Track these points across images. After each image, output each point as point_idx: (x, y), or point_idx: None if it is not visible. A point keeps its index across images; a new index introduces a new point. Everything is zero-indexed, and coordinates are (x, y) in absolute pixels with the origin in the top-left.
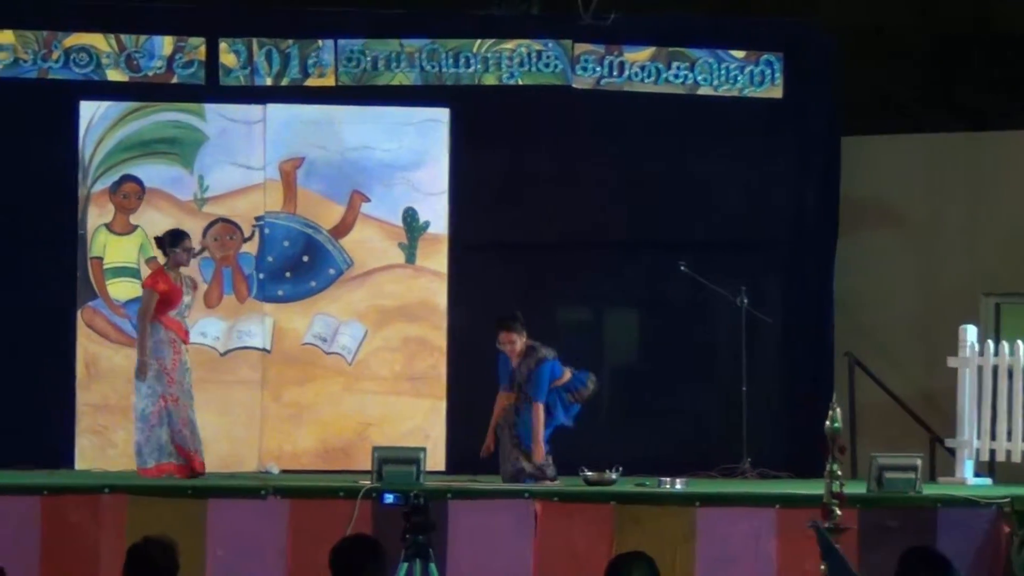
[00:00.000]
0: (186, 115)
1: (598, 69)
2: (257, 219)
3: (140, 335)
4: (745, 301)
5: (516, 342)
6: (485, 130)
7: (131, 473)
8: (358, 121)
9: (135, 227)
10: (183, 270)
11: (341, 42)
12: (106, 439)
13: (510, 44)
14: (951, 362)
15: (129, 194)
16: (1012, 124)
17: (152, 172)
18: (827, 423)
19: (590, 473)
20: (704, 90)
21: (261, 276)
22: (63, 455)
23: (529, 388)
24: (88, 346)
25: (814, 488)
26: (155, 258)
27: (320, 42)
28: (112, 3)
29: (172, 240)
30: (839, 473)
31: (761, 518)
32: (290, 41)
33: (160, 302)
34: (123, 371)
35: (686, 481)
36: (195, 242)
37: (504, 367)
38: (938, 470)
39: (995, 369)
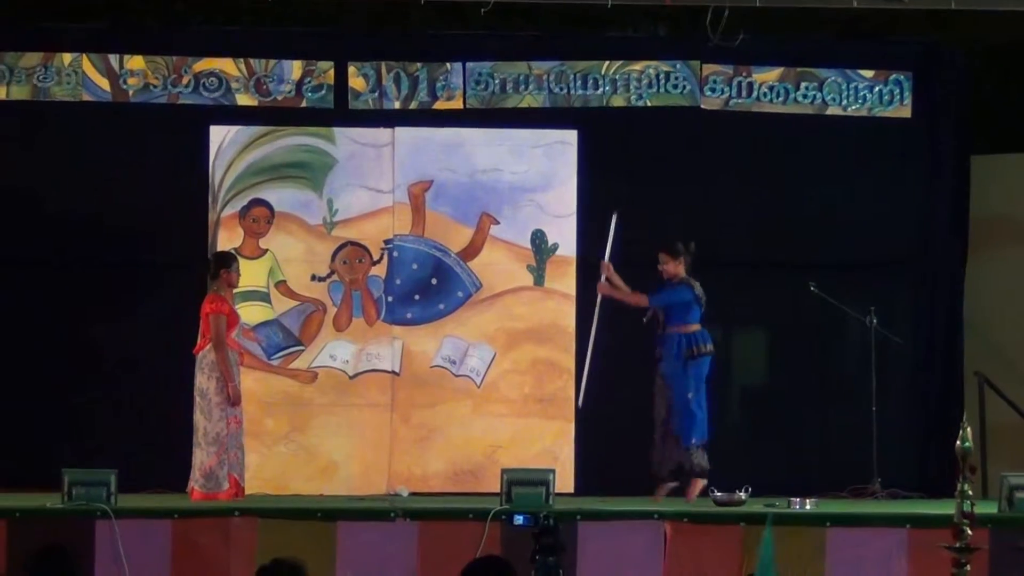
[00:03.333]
0: (315, 139)
1: (727, 90)
2: (386, 242)
3: (222, 363)
4: (875, 321)
5: (667, 263)
6: (613, 152)
7: (263, 496)
8: (486, 144)
9: (265, 251)
10: None
11: (469, 65)
12: None
13: (638, 65)
14: None
15: (258, 218)
16: None
17: (281, 196)
18: (958, 443)
19: (719, 494)
20: (833, 110)
21: (390, 299)
22: None
23: (654, 292)
24: None
25: (945, 508)
26: (284, 281)
27: (448, 65)
28: (241, 28)
29: (220, 262)
30: (970, 493)
31: (892, 538)
32: (419, 64)
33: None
34: (253, 395)
35: (816, 501)
36: (324, 266)
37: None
38: None
39: None
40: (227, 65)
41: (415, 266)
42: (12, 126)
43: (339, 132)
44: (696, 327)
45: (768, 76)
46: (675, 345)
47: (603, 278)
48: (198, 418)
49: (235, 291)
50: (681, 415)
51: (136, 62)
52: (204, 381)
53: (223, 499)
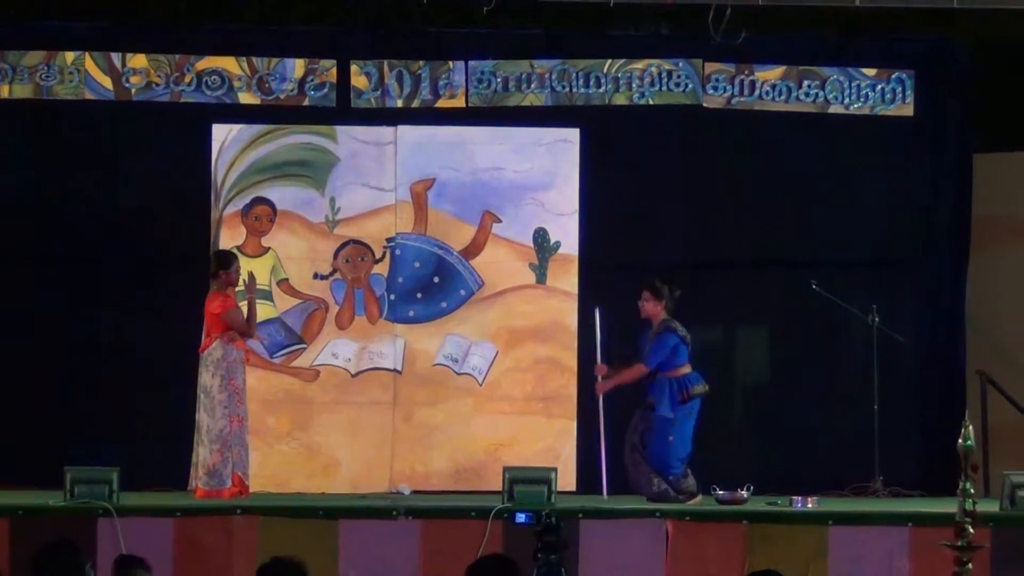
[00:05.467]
0: (318, 137)
1: (728, 88)
2: (388, 240)
3: (254, 321)
4: (877, 320)
5: (648, 302)
6: (616, 150)
7: (265, 494)
8: (489, 142)
9: (267, 249)
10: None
11: (472, 63)
12: None
13: (640, 64)
14: None
15: (261, 216)
16: None
17: (284, 194)
18: (959, 441)
19: (722, 492)
20: (835, 108)
21: (392, 297)
22: None
23: (645, 352)
24: None
25: (946, 507)
26: (286, 279)
27: (451, 63)
28: (243, 27)
29: (220, 262)
30: (972, 491)
31: (893, 537)
32: (421, 63)
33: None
34: (257, 393)
35: (818, 500)
36: (327, 264)
37: (640, 341)
38: None
39: None
40: (230, 63)
41: (417, 264)
42: (15, 125)
43: (341, 130)
44: (686, 369)
45: (770, 74)
46: (667, 389)
47: (599, 379)
48: (201, 416)
49: (238, 289)
50: (661, 455)
51: (139, 60)
52: (208, 379)
53: (226, 497)
